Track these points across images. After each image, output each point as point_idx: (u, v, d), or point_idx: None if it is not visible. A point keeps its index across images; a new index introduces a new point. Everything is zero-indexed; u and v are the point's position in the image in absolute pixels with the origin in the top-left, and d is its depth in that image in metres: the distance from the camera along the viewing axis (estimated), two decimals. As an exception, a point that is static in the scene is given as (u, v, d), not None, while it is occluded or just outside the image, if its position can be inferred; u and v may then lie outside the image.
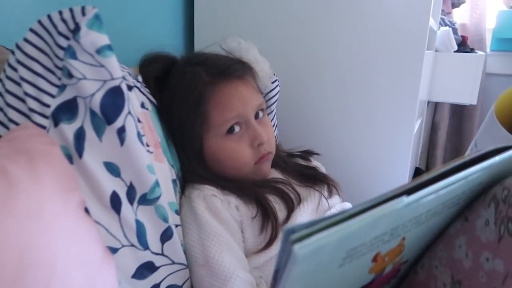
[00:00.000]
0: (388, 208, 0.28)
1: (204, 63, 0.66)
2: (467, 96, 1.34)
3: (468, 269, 0.39)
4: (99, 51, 0.44)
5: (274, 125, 0.87)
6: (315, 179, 0.72)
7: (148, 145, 0.56)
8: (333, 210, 0.68)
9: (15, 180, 0.30)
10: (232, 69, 0.65)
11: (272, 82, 0.80)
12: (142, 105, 0.59)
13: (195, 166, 0.65)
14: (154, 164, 0.55)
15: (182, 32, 1.06)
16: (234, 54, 0.71)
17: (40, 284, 0.27)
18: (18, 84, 0.45)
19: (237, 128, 0.64)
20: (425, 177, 0.32)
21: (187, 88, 0.64)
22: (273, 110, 0.84)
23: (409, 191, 0.30)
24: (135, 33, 0.88)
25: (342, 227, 0.27)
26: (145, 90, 0.63)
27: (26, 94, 0.44)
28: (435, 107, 1.93)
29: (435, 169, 0.33)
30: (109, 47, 0.45)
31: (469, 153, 0.41)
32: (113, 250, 0.47)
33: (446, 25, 1.45)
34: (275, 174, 0.72)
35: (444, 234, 0.43)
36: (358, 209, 0.28)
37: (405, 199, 0.29)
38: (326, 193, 0.71)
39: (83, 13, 0.43)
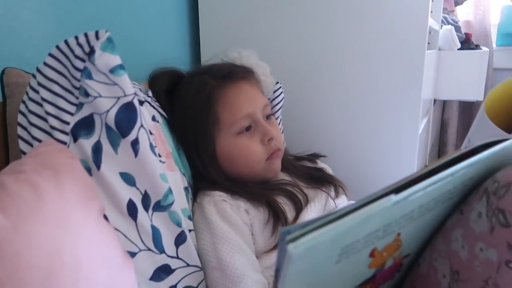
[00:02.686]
0: (377, 206, 0.30)
1: (209, 71, 0.72)
2: (473, 92, 1.35)
3: (465, 260, 0.41)
4: (112, 70, 0.48)
5: (280, 130, 0.90)
6: (322, 180, 0.75)
7: (160, 156, 0.59)
8: (340, 210, 0.70)
9: (43, 191, 0.34)
10: (236, 71, 0.71)
11: (275, 91, 0.83)
12: (153, 118, 0.63)
13: (209, 169, 0.68)
14: (167, 173, 0.58)
15: (189, 46, 1.10)
16: (235, 63, 0.75)
17: (69, 283, 0.30)
18: (40, 105, 0.49)
19: (247, 127, 0.68)
20: (414, 175, 0.34)
21: (196, 94, 0.68)
22: (278, 117, 0.87)
23: (398, 190, 0.32)
24: (142, 49, 0.93)
25: (334, 226, 0.28)
26: (155, 104, 0.67)
27: (47, 113, 0.48)
28: (443, 105, 1.93)
29: (425, 167, 0.35)
30: (121, 67, 0.49)
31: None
32: (132, 255, 0.50)
33: (448, 23, 1.47)
34: (283, 176, 0.74)
35: (442, 228, 0.45)
36: (350, 209, 0.30)
37: (394, 198, 0.31)
38: (333, 194, 0.73)
39: (97, 37, 0.47)
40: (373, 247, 0.36)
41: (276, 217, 0.63)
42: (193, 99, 0.68)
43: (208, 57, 0.81)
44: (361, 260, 0.37)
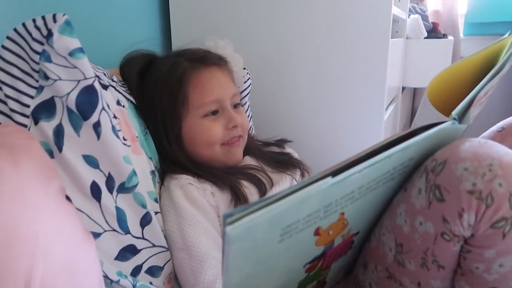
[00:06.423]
0: (314, 189, 0.32)
1: (184, 53, 0.73)
2: (439, 80, 1.40)
3: (407, 233, 0.45)
4: (71, 53, 0.48)
5: (248, 116, 0.91)
6: (288, 164, 0.77)
7: (125, 139, 0.60)
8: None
9: (-1, 170, 0.34)
10: (210, 56, 0.73)
11: (243, 76, 0.84)
12: (118, 103, 0.64)
13: (174, 149, 0.69)
14: (132, 156, 0.59)
15: (159, 34, 1.09)
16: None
17: (26, 255, 0.31)
18: (-1, 88, 0.49)
19: (214, 111, 0.70)
20: (353, 158, 0.35)
21: (169, 73, 0.70)
22: (246, 102, 0.89)
23: (336, 172, 0.33)
24: (110, 36, 0.91)
25: (271, 208, 0.30)
26: (121, 89, 0.68)
27: (7, 96, 0.48)
28: (414, 92, 1.99)
29: (365, 149, 0.37)
30: (80, 50, 0.49)
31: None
32: (96, 235, 0.52)
33: (416, 12, 1.50)
34: (250, 161, 0.76)
35: (389, 205, 0.49)
36: (289, 191, 0.31)
37: (331, 180, 0.32)
38: (298, 177, 0.76)
39: (54, 20, 0.47)
40: (317, 226, 0.38)
41: (237, 200, 0.65)
42: (165, 78, 0.70)
43: (179, 43, 0.82)
44: (306, 238, 0.38)
